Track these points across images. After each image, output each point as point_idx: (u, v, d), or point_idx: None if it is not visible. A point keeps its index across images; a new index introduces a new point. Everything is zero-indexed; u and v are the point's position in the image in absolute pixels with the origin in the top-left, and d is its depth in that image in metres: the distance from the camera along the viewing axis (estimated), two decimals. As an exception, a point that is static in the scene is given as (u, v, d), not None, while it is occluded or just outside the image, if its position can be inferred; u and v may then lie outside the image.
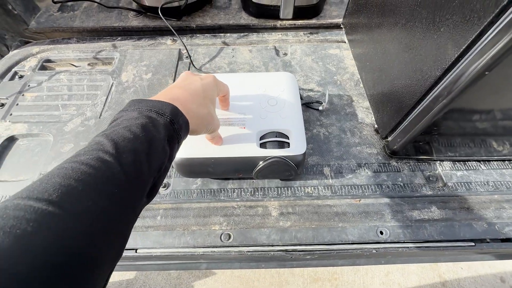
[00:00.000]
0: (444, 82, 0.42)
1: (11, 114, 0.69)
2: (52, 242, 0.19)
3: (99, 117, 0.68)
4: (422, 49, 0.46)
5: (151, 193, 0.31)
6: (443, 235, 0.52)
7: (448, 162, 0.61)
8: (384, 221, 0.54)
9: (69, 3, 0.96)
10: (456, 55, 0.38)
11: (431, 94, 0.46)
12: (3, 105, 0.71)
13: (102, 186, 0.24)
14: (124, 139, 0.27)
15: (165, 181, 0.59)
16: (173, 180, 0.59)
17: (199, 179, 0.59)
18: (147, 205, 0.33)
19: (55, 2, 0.92)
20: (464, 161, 0.61)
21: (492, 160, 0.61)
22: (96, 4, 0.95)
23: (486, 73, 0.36)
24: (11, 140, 0.65)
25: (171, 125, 0.33)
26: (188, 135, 0.39)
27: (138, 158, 0.28)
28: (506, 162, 0.61)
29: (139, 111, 0.32)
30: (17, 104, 0.71)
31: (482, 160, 0.61)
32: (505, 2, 0.31)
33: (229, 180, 0.59)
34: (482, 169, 0.60)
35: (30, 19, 0.91)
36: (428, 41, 0.45)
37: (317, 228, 0.53)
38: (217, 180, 0.59)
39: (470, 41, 0.36)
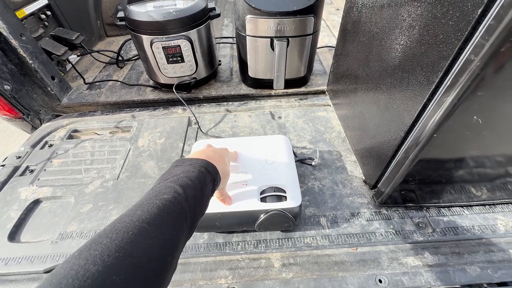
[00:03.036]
0: (408, 141, 0.52)
1: (38, 179, 0.78)
2: (154, 250, 0.29)
3: (117, 179, 0.77)
4: (388, 115, 0.58)
5: (192, 233, 0.39)
6: (439, 280, 0.54)
7: (434, 209, 0.66)
8: (382, 269, 0.56)
9: (97, 83, 1.15)
10: (411, 122, 0.49)
11: (401, 150, 0.55)
12: (32, 171, 0.80)
13: (180, 220, 0.34)
14: (188, 186, 0.38)
15: (174, 236, 0.64)
16: (182, 235, 0.64)
17: (205, 233, 0.64)
18: None
19: (86, 83, 1.11)
20: (447, 207, 0.66)
21: (474, 205, 0.67)
22: (119, 82, 1.14)
23: (434, 135, 0.45)
24: (36, 202, 0.72)
25: (213, 181, 0.44)
26: None
27: (194, 203, 0.38)
28: (487, 206, 0.66)
29: (193, 166, 0.43)
30: (45, 170, 0.80)
31: (465, 206, 0.67)
32: (433, 86, 0.43)
33: (233, 233, 0.63)
34: (466, 214, 0.65)
35: (63, 96, 1.08)
36: (390, 110, 0.56)
37: (318, 278, 0.55)
38: (222, 233, 0.63)
39: (418, 111, 0.47)
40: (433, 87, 0.43)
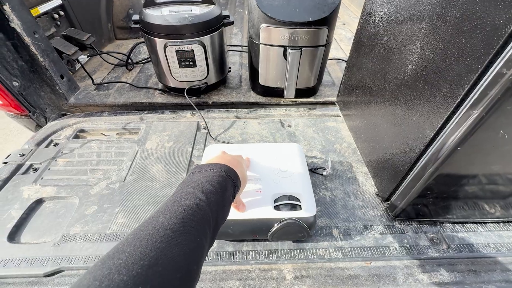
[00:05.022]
0: (428, 153, 0.51)
1: (42, 178, 0.75)
2: (180, 258, 0.28)
3: (124, 181, 0.75)
4: (406, 126, 0.57)
5: (214, 239, 0.38)
6: (457, 299, 0.53)
7: (448, 224, 0.65)
8: (397, 285, 0.55)
9: (105, 84, 1.14)
10: (432, 134, 0.49)
11: (419, 163, 0.54)
12: (36, 169, 0.78)
13: (204, 227, 0.33)
14: (209, 192, 0.37)
15: (182, 243, 0.61)
16: (190, 242, 0.61)
17: (215, 241, 0.61)
18: None
19: (95, 84, 1.10)
20: (462, 223, 0.65)
21: (488, 222, 0.66)
22: (128, 84, 1.13)
23: (459, 148, 0.45)
24: (38, 202, 0.70)
25: (234, 186, 0.43)
26: None
27: (217, 209, 0.36)
28: (501, 224, 0.65)
29: (213, 171, 0.42)
30: (49, 169, 0.78)
31: (479, 222, 0.65)
32: (459, 99, 0.42)
33: (243, 242, 0.61)
34: (481, 231, 0.64)
35: (71, 96, 1.07)
36: (409, 121, 0.56)
37: (332, 292, 0.53)
38: (232, 242, 0.61)
39: (441, 123, 0.47)
40: (459, 100, 0.42)
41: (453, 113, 0.44)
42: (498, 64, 0.36)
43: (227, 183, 0.41)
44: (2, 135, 2.36)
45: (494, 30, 0.36)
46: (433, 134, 0.48)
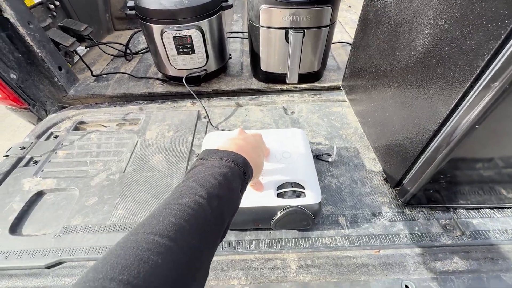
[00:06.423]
0: (441, 134, 0.47)
1: (42, 170, 0.75)
2: (173, 271, 0.25)
3: (124, 172, 0.73)
4: (417, 107, 0.53)
5: (224, 234, 0.35)
6: (472, 288, 0.50)
7: (462, 210, 0.62)
8: (408, 274, 0.52)
9: (104, 75, 1.12)
10: (447, 112, 0.45)
11: (431, 145, 0.51)
12: (36, 162, 0.77)
13: (200, 227, 0.30)
14: (212, 186, 0.33)
15: (183, 233, 0.60)
16: (191, 232, 0.60)
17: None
18: None
19: (94, 76, 1.08)
20: (477, 208, 0.62)
21: (506, 208, 0.62)
22: (127, 75, 1.11)
23: (477, 126, 0.41)
24: (39, 194, 0.69)
25: (244, 175, 0.39)
26: None
27: (221, 203, 0.33)
28: (520, 209, 0.61)
29: (219, 161, 0.38)
30: (49, 161, 0.77)
31: (495, 208, 0.62)
32: (477, 71, 0.38)
33: (246, 231, 0.59)
34: (498, 217, 0.60)
35: (70, 88, 1.05)
36: (420, 101, 0.52)
37: (339, 282, 0.51)
38: (234, 231, 0.59)
39: (457, 100, 0.43)
40: (477, 72, 0.38)
41: (471, 87, 0.40)
42: (525, 27, 0.32)
43: (233, 173, 0.38)
44: (10, 131, 2.40)
45: (521, -12, 0.32)
46: (447, 112, 0.45)
